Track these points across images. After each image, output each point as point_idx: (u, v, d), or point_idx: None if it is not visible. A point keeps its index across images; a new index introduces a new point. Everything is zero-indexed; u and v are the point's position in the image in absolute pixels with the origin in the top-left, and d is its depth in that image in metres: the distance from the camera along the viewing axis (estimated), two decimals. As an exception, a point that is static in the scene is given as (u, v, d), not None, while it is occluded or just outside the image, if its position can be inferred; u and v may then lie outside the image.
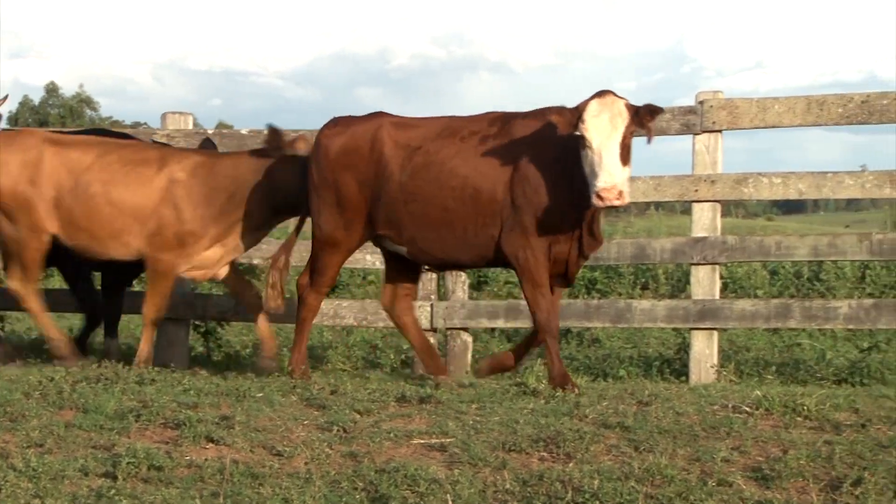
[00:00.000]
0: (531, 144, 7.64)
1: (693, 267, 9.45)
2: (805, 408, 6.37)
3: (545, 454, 5.80)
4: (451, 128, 7.97)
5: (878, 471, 5.24)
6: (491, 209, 7.69)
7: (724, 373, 8.98)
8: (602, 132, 7.21)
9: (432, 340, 10.02)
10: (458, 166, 7.78)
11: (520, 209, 7.58)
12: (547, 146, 7.58)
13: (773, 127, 9.25)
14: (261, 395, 7.20)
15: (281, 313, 8.81)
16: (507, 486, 5.35)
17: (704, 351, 9.20)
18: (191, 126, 10.79)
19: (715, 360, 9.19)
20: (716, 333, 9.26)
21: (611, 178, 7.12)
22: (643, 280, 15.31)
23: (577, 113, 7.28)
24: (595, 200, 7.16)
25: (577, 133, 7.24)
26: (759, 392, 6.86)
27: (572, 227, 7.58)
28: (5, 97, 9.31)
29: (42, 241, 8.92)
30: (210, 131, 10.54)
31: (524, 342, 8.24)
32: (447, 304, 9.95)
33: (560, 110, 7.51)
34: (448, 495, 5.22)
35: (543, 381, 7.46)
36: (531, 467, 5.61)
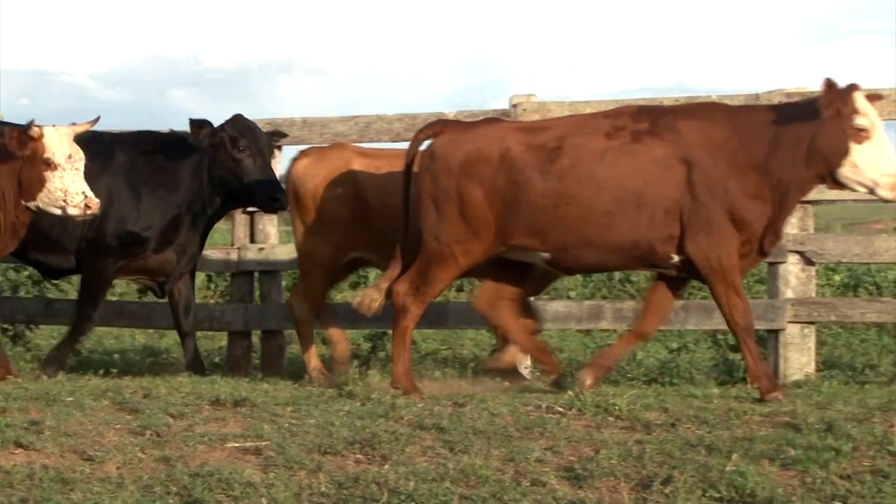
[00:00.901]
0: (704, 139, 7.29)
1: (507, 269, 9.50)
2: (616, 408, 6.47)
3: (361, 456, 5.81)
4: (591, 125, 7.55)
5: (687, 469, 5.34)
6: (659, 210, 7.29)
7: (539, 374, 9.05)
8: (879, 122, 7.01)
9: (246, 343, 9.96)
10: (611, 165, 7.34)
11: (706, 207, 7.23)
12: (727, 139, 7.28)
13: (586, 130, 9.34)
14: (71, 399, 7.07)
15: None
16: (323, 488, 5.34)
17: (519, 352, 9.26)
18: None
19: (529, 362, 9.26)
20: (530, 335, 9.33)
21: None
22: (459, 282, 15.36)
23: (844, 102, 6.94)
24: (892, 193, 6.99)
25: (858, 125, 6.94)
26: (571, 392, 6.95)
27: (760, 223, 7.28)
28: (97, 118, 8.74)
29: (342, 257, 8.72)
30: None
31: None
32: (262, 307, 9.89)
33: (719, 104, 7.54)
34: (263, 499, 5.20)
35: (359, 384, 7.44)
36: (347, 469, 5.61)
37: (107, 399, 7.12)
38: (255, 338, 10.12)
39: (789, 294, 8.76)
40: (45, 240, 8.73)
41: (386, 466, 5.60)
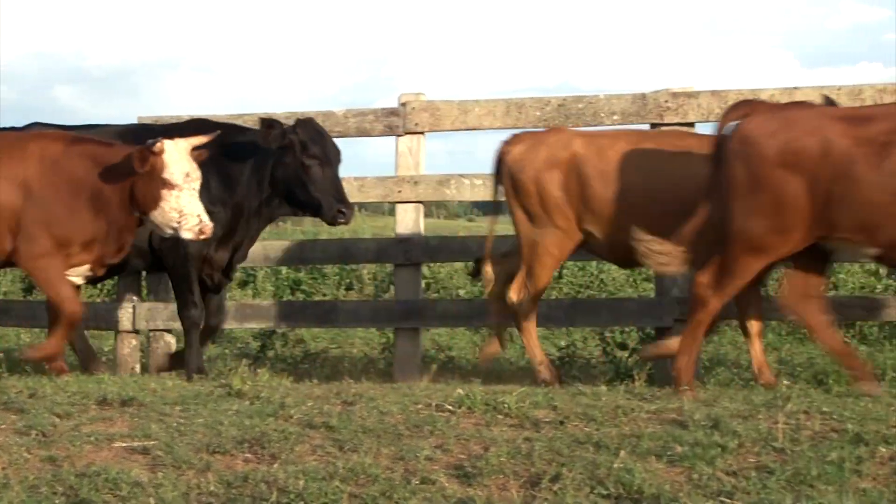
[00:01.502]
0: None
1: (397, 267, 9.55)
2: (505, 406, 6.49)
3: (250, 455, 5.79)
4: None
5: (575, 466, 5.38)
6: None
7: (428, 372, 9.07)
8: None
9: (133, 342, 9.87)
10: None
11: None
12: None
13: (474, 129, 9.42)
14: (-45, 399, 6.98)
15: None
16: (212, 488, 5.32)
17: (408, 350, 9.30)
18: None
19: (419, 360, 9.30)
20: (420, 333, 9.38)
21: None
22: (348, 281, 15.37)
23: None
24: None
25: None
26: (461, 390, 6.97)
27: None
28: (217, 132, 8.29)
29: (573, 242, 8.28)
30: None
31: None
32: (150, 306, 9.81)
33: None
34: (151, 498, 5.16)
35: (248, 382, 7.40)
36: (236, 469, 5.59)
37: (-9, 399, 7.03)
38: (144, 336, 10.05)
39: (675, 292, 8.84)
40: None
41: (275, 465, 5.59)
